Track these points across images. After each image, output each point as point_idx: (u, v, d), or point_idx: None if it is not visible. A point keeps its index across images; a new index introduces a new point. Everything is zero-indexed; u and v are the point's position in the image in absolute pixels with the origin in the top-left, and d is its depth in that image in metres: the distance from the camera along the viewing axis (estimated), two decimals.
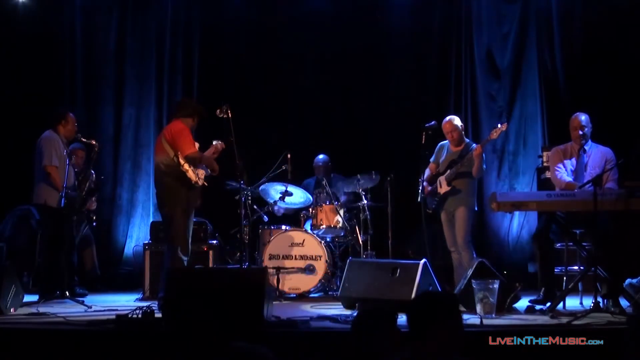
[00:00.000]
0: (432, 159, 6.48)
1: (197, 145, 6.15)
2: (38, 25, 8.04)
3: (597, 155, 5.66)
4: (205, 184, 6.02)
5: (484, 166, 6.25)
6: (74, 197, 6.29)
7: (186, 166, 5.77)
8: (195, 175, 5.85)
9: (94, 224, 7.05)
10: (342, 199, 7.28)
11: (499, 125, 6.01)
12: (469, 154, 6.06)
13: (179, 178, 5.78)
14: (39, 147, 6.32)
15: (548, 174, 6.30)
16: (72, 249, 6.49)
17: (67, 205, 5.98)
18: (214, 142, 6.09)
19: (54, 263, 6.13)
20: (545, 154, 7.00)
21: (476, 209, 6.34)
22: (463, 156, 6.15)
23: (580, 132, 5.66)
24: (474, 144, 6.30)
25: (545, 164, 6.97)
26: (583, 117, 5.71)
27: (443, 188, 6.24)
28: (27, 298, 5.84)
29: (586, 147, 5.69)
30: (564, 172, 5.70)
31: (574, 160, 5.71)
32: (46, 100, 7.68)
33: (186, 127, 5.92)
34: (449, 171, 6.20)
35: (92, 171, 6.75)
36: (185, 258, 5.80)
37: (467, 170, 6.16)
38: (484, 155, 6.11)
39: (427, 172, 6.39)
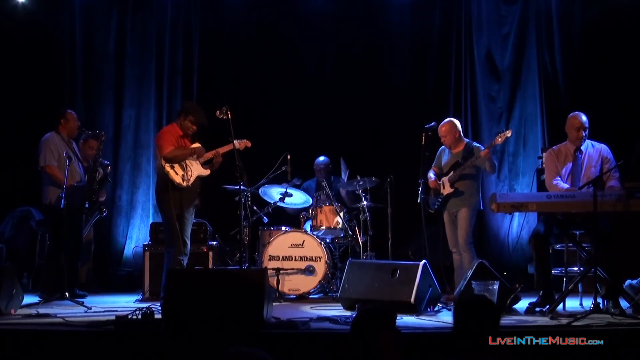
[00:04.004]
0: (434, 164, 6.48)
1: (194, 145, 6.15)
2: (38, 26, 8.04)
3: (593, 153, 5.61)
4: (189, 185, 6.01)
5: (495, 163, 6.34)
6: (81, 189, 6.24)
7: (167, 167, 5.89)
8: (181, 176, 5.90)
9: (104, 213, 7.04)
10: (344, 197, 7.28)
11: (504, 130, 5.97)
12: (473, 158, 6.05)
13: (165, 180, 5.92)
14: (38, 150, 6.37)
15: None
16: (77, 249, 6.47)
17: (67, 205, 5.97)
18: (234, 141, 6.08)
19: (55, 263, 6.11)
20: (544, 155, 6.97)
21: (482, 207, 6.34)
22: (466, 158, 6.15)
23: (584, 133, 5.59)
24: (474, 143, 6.30)
25: (544, 166, 6.94)
26: (584, 118, 5.63)
27: (446, 189, 6.24)
28: (27, 299, 5.83)
29: (582, 147, 5.63)
30: (560, 181, 5.63)
31: (569, 164, 5.63)
32: (46, 101, 7.68)
33: (173, 128, 6.09)
34: (452, 173, 6.20)
35: (106, 161, 6.71)
36: (181, 258, 5.83)
37: (469, 172, 6.16)
38: (491, 154, 6.13)
39: (431, 173, 6.39)
